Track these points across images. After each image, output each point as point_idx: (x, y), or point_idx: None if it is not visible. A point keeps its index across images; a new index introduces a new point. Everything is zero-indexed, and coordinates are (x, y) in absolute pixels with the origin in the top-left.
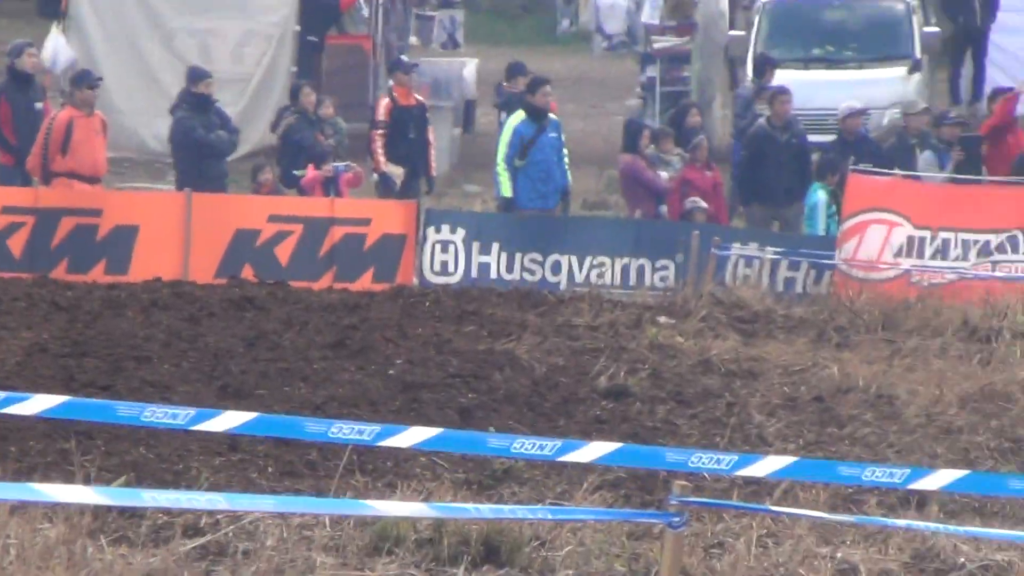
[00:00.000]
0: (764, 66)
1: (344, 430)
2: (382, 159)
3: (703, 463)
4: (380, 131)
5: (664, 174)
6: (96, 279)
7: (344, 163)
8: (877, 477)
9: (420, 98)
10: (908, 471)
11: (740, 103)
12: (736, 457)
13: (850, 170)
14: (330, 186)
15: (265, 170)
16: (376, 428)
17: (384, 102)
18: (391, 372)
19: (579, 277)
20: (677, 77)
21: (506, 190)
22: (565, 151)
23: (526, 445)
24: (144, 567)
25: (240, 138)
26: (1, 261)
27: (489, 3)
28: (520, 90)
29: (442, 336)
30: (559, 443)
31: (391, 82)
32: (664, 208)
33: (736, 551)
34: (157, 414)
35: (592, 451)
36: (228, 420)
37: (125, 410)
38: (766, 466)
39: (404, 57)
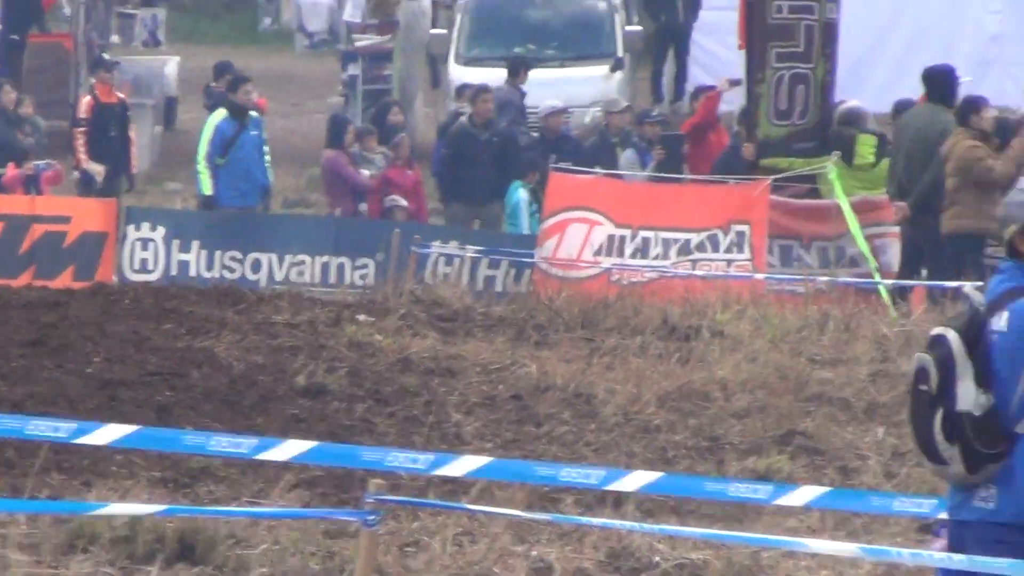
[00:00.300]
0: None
1: (40, 427)
2: (83, 156)
3: (399, 462)
4: (82, 129)
5: (366, 172)
6: None
7: (45, 161)
8: (573, 477)
9: (121, 96)
10: (604, 472)
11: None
12: (433, 456)
13: (551, 169)
14: (31, 184)
15: None
16: (72, 425)
17: (86, 100)
18: (89, 370)
19: (279, 275)
20: (379, 75)
21: (206, 188)
22: (266, 149)
23: (222, 443)
24: None
25: None
26: None
27: (191, 1)
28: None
29: (141, 334)
30: (255, 441)
31: (93, 80)
32: (364, 206)
33: (432, 549)
34: None
35: (288, 449)
36: None
37: None
38: (463, 466)
39: (106, 55)
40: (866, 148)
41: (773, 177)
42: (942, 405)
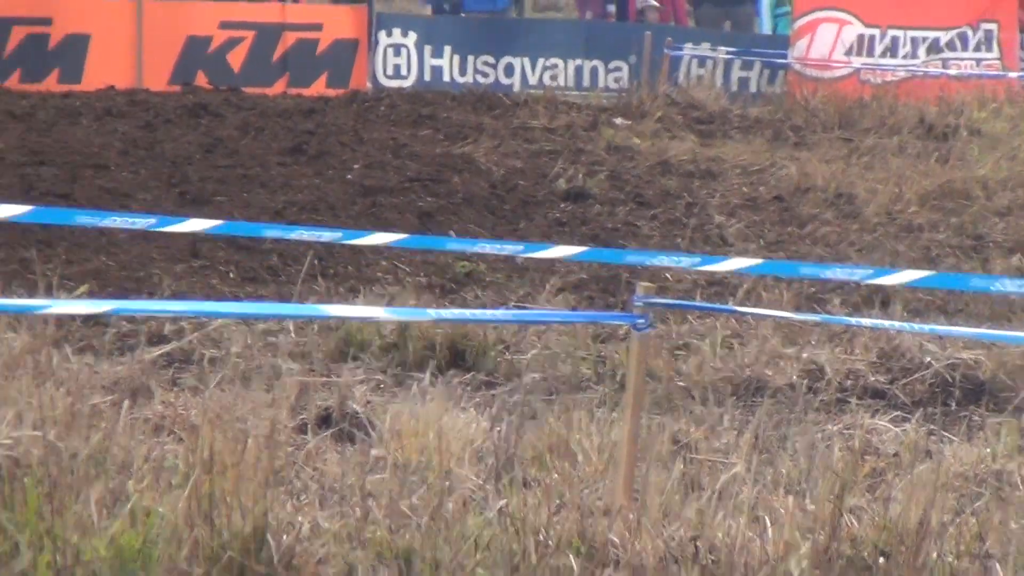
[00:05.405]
0: None
1: (305, 236)
2: None
3: (668, 262)
4: None
5: None
6: (50, 88)
7: None
8: (838, 275)
9: None
10: (870, 270)
11: None
12: (699, 258)
13: None
14: None
15: None
16: (337, 234)
17: None
18: (349, 177)
19: (532, 79)
20: None
21: None
22: None
23: (486, 248)
24: (111, 375)
25: None
26: None
27: None
28: None
29: (398, 140)
30: (522, 245)
31: None
32: (612, 8)
33: (702, 352)
34: (118, 221)
35: (556, 252)
36: (193, 225)
37: (85, 218)
38: (729, 265)
39: None
40: None
41: None
42: None
